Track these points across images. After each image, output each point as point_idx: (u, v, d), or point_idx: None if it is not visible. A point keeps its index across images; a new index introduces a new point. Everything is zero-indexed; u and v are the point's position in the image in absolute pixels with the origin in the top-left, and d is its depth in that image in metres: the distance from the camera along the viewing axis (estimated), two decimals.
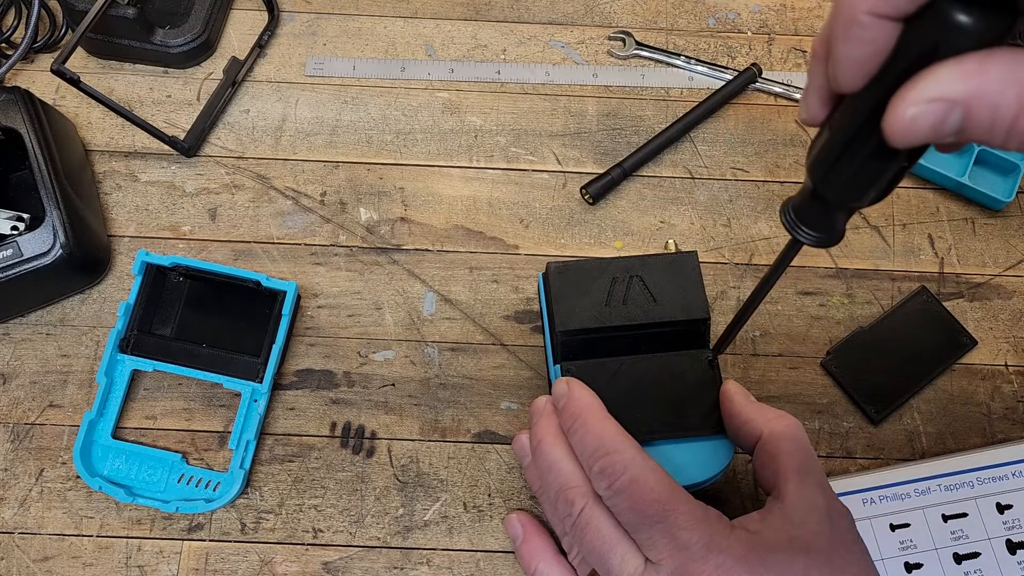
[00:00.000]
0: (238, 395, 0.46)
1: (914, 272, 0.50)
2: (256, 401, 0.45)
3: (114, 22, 0.51)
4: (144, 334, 0.46)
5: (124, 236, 0.51)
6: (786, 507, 0.33)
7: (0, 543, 0.44)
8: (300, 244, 0.51)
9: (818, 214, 0.27)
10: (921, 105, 0.20)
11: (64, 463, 0.45)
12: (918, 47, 0.21)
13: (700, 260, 0.42)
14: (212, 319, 0.48)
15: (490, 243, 0.51)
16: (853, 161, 0.24)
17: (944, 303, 0.49)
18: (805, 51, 0.57)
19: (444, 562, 0.44)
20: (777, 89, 0.55)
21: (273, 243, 0.51)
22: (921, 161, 0.50)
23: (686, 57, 0.56)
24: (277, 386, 0.47)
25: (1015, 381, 0.48)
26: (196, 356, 0.46)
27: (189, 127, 0.52)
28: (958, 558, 0.42)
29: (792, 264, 0.31)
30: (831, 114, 0.25)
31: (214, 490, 0.44)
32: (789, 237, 0.28)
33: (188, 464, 0.45)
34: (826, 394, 0.48)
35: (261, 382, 0.45)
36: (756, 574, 0.30)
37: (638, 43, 0.57)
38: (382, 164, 0.53)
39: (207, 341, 0.46)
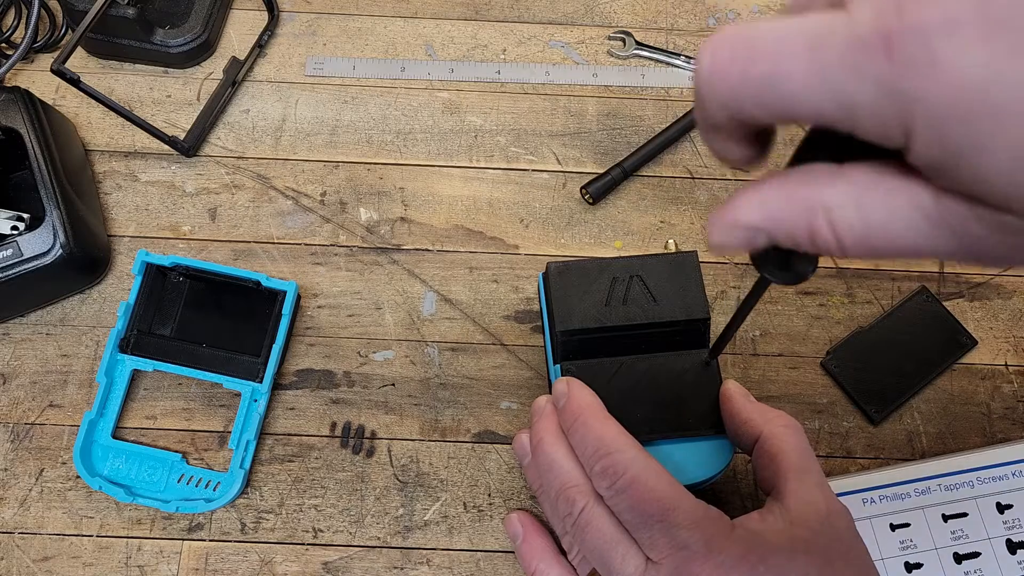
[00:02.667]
0: (238, 395, 0.46)
1: (914, 272, 0.50)
2: (256, 401, 0.45)
3: (114, 22, 0.51)
4: (144, 334, 0.46)
5: (124, 236, 0.51)
6: (786, 507, 0.33)
7: (0, 543, 0.44)
8: (300, 244, 0.51)
9: (782, 256, 0.27)
10: (723, 228, 0.23)
11: (64, 463, 0.45)
12: None
13: (700, 260, 0.42)
14: (212, 319, 0.48)
15: (490, 243, 0.51)
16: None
17: (944, 303, 0.49)
18: None
19: (444, 562, 0.44)
20: None
21: (273, 243, 0.51)
22: None
23: (686, 57, 0.56)
24: (277, 386, 0.47)
25: (1015, 381, 0.48)
26: (196, 356, 0.46)
27: (189, 127, 0.52)
28: (958, 558, 0.42)
29: None
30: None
31: (214, 490, 0.44)
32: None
33: (188, 464, 0.45)
34: (826, 394, 0.48)
35: (261, 382, 0.45)
36: (756, 573, 0.30)
37: (638, 43, 0.57)
38: (382, 164, 0.53)
39: (207, 341, 0.46)
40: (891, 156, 0.20)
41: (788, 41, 0.19)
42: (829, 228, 0.21)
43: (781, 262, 0.27)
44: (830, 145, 0.22)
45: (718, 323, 0.48)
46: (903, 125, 0.18)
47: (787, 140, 0.54)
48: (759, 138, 0.23)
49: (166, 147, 0.52)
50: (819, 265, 0.28)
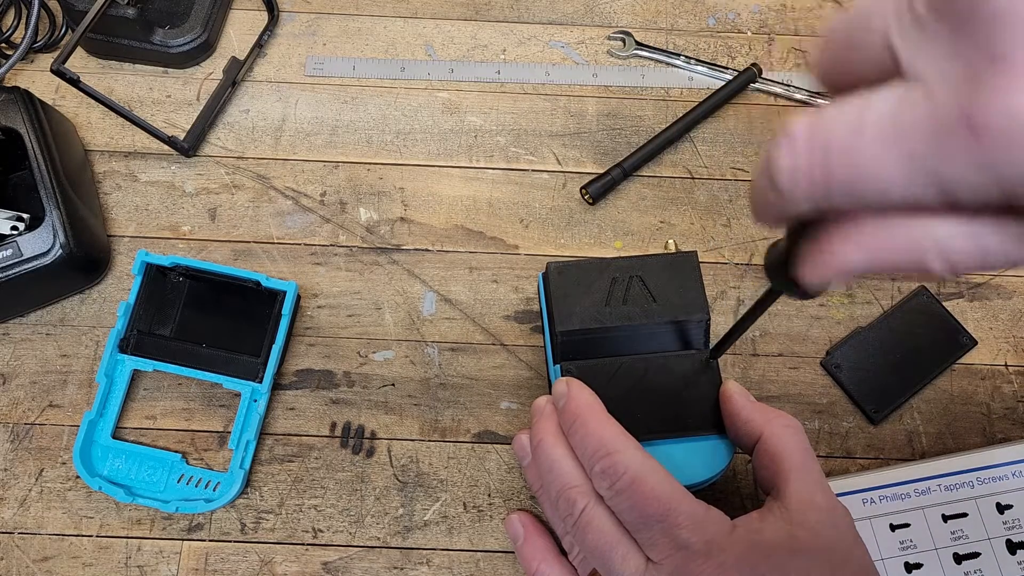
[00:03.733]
0: (238, 395, 0.46)
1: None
2: (256, 401, 0.45)
3: (114, 22, 0.51)
4: (144, 334, 0.46)
5: (124, 236, 0.51)
6: (786, 507, 0.33)
7: (0, 543, 0.44)
8: (300, 244, 0.51)
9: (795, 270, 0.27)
10: (825, 272, 0.22)
11: (64, 463, 0.45)
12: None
13: (700, 260, 0.42)
14: (212, 319, 0.48)
15: (490, 243, 0.51)
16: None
17: (944, 303, 0.49)
18: (805, 51, 0.57)
19: (444, 562, 0.44)
20: (777, 89, 0.55)
21: (273, 243, 0.51)
22: None
23: (686, 57, 0.56)
24: (277, 386, 0.47)
25: (1015, 381, 0.48)
26: (196, 356, 0.46)
27: (189, 127, 0.52)
28: (958, 558, 0.42)
29: None
30: None
31: (214, 490, 0.44)
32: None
33: (188, 464, 0.45)
34: (826, 394, 0.48)
35: (261, 382, 0.45)
36: (757, 573, 0.30)
37: (638, 43, 0.57)
38: (382, 164, 0.53)
39: (207, 341, 0.46)
40: None
41: (867, 131, 0.18)
42: (944, 262, 0.20)
43: (793, 277, 0.27)
44: None
45: (718, 323, 0.48)
46: (1001, 190, 0.17)
47: None
48: None
49: (166, 147, 0.52)
50: None
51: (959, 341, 0.48)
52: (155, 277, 0.47)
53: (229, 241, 0.51)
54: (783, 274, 0.26)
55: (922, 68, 0.18)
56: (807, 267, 0.23)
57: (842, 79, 0.21)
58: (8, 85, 0.50)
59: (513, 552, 0.44)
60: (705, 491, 0.39)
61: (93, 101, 0.49)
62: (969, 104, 0.17)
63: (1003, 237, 0.19)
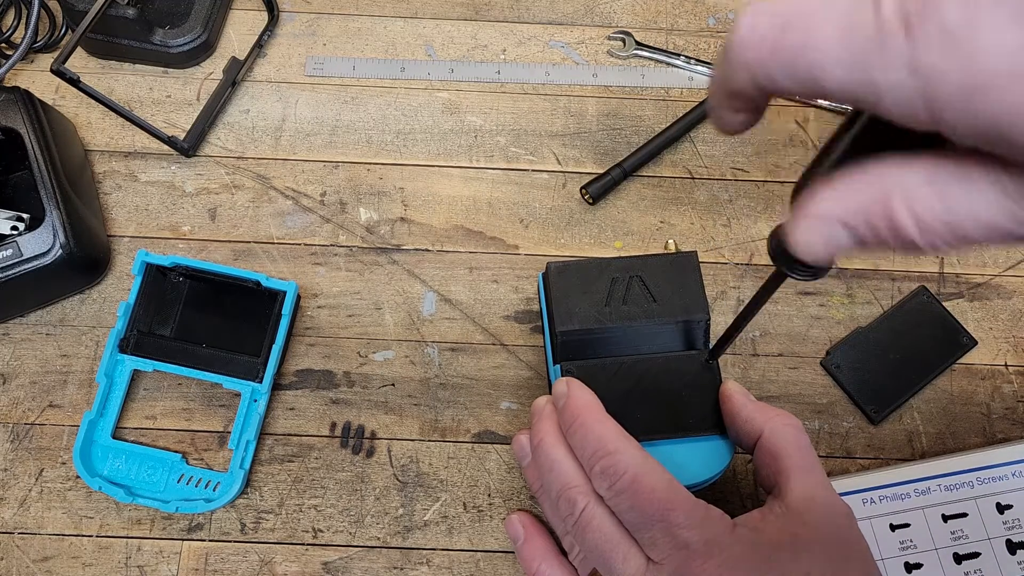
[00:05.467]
0: (238, 395, 0.46)
1: (914, 272, 0.50)
2: (256, 401, 0.45)
3: (114, 22, 0.51)
4: (144, 334, 0.46)
5: (124, 236, 0.51)
6: (787, 505, 0.33)
7: (0, 543, 0.44)
8: (300, 244, 0.51)
9: None
10: (805, 225, 0.23)
11: (64, 463, 0.45)
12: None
13: (700, 260, 0.42)
14: (212, 319, 0.48)
15: (490, 243, 0.51)
16: None
17: (944, 303, 0.49)
18: None
19: (444, 562, 0.44)
20: None
21: (273, 243, 0.51)
22: None
23: (686, 57, 0.56)
24: (277, 386, 0.47)
25: (1015, 381, 0.48)
26: (196, 356, 0.46)
27: (189, 127, 0.52)
28: (958, 558, 0.42)
29: None
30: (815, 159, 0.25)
31: (214, 490, 0.44)
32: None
33: (188, 464, 0.45)
34: (826, 394, 0.48)
35: (261, 382, 0.45)
36: (758, 573, 0.30)
37: (638, 43, 0.57)
38: (382, 164, 0.53)
39: (207, 341, 0.46)
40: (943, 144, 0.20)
41: (823, 16, 0.20)
42: (909, 213, 0.21)
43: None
44: (872, 142, 0.22)
45: (718, 323, 0.48)
46: (927, 104, 0.18)
47: (787, 140, 0.54)
48: (760, 108, 0.24)
49: (166, 147, 0.52)
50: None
51: (959, 341, 0.48)
52: (155, 277, 0.47)
53: (229, 241, 0.51)
54: (788, 256, 0.27)
55: None
56: (795, 228, 0.23)
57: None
58: (8, 85, 0.50)
59: (513, 552, 0.44)
60: (705, 491, 0.39)
61: (93, 101, 0.49)
62: (909, 5, 0.18)
63: (967, 189, 0.20)
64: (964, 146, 0.19)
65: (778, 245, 0.27)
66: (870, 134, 0.23)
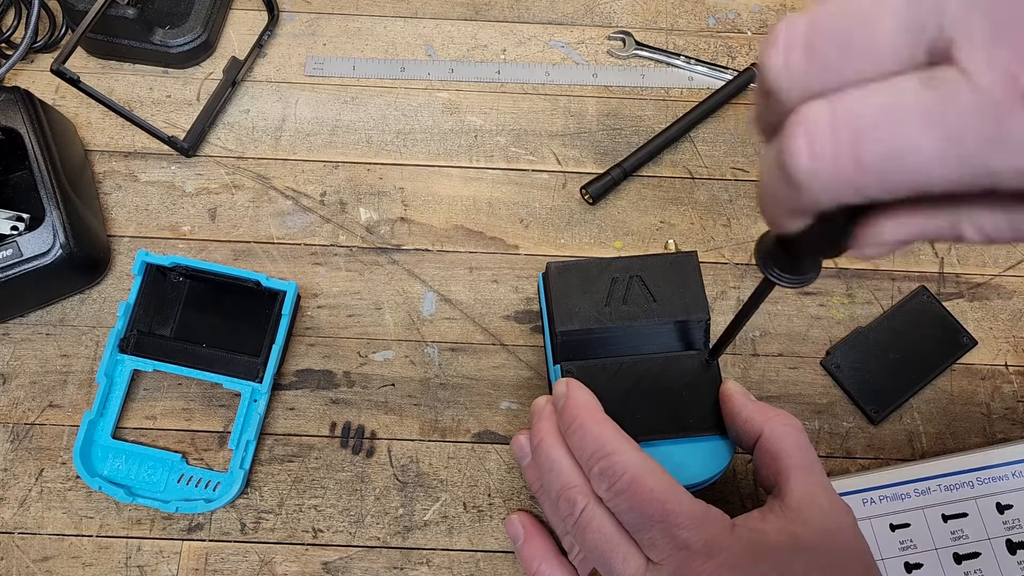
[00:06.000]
0: (238, 395, 0.46)
1: (914, 272, 0.50)
2: (256, 401, 0.45)
3: (114, 22, 0.51)
4: (144, 334, 0.46)
5: (124, 236, 0.51)
6: (787, 505, 0.33)
7: (0, 543, 0.44)
8: (300, 244, 0.51)
9: (788, 259, 0.27)
10: (874, 247, 0.22)
11: (64, 463, 0.45)
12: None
13: (700, 260, 0.42)
14: (212, 319, 0.48)
15: (490, 243, 0.51)
16: (816, 223, 0.23)
17: (944, 303, 0.49)
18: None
19: (444, 562, 0.44)
20: None
21: (273, 243, 0.51)
22: None
23: (686, 57, 0.56)
24: (277, 386, 0.47)
25: (1015, 381, 0.48)
26: (196, 356, 0.46)
27: (189, 127, 0.52)
28: (958, 558, 0.42)
29: None
30: None
31: (214, 490, 0.44)
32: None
33: (188, 464, 0.45)
34: (826, 394, 0.48)
35: (261, 382, 0.45)
36: (757, 573, 0.30)
37: (638, 43, 0.57)
38: (382, 164, 0.53)
39: (207, 341, 0.46)
40: None
41: (901, 112, 0.17)
42: (977, 232, 0.20)
43: (786, 265, 0.27)
44: None
45: (718, 323, 0.48)
46: None
47: None
48: None
49: (166, 147, 0.52)
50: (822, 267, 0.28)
51: (959, 341, 0.48)
52: (155, 277, 0.47)
53: (229, 241, 0.51)
54: (775, 264, 0.27)
55: (964, 54, 0.17)
56: (861, 243, 0.22)
57: (823, 83, 0.19)
58: (8, 85, 0.50)
59: (513, 552, 0.43)
60: (705, 491, 0.39)
61: (93, 101, 0.49)
62: (1018, 74, 0.16)
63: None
64: None
65: (766, 254, 0.27)
66: None
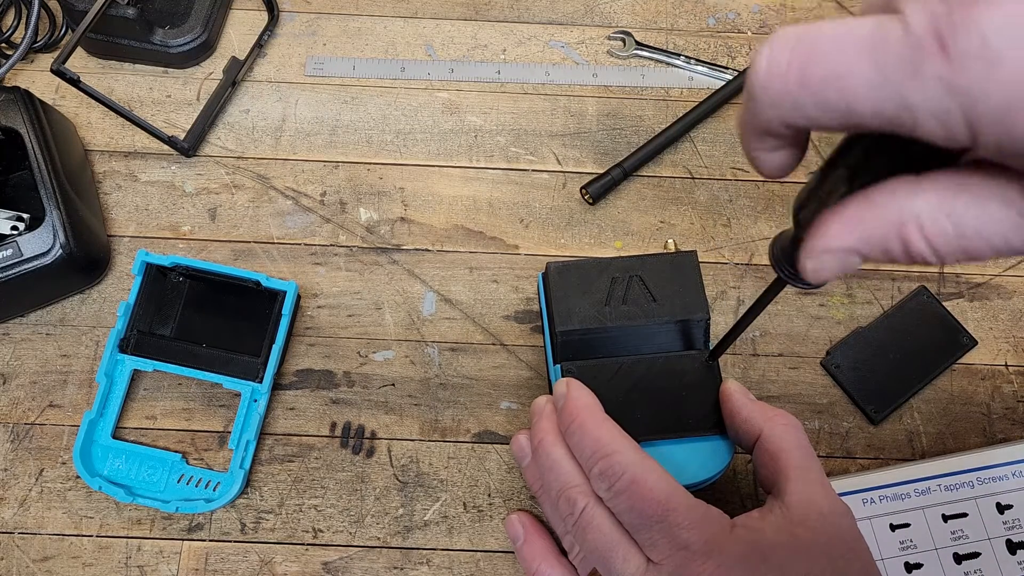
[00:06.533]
0: (238, 395, 0.46)
1: (914, 272, 0.50)
2: (256, 401, 0.45)
3: (114, 22, 0.51)
4: (144, 334, 0.46)
5: (124, 236, 0.51)
6: (787, 505, 0.33)
7: (0, 543, 0.44)
8: (300, 244, 0.51)
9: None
10: (817, 257, 0.23)
11: (64, 463, 0.45)
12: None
13: (700, 260, 0.42)
14: (212, 319, 0.48)
15: (490, 243, 0.51)
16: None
17: (944, 303, 0.49)
18: None
19: (444, 562, 0.44)
20: None
21: (273, 243, 0.51)
22: None
23: (686, 57, 0.56)
24: (277, 386, 0.47)
25: (1015, 381, 0.48)
26: (196, 356, 0.46)
27: (189, 127, 0.52)
28: (958, 558, 0.42)
29: None
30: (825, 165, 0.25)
31: (214, 490, 0.44)
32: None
33: (188, 464, 0.45)
34: (826, 394, 0.48)
35: (261, 382, 0.45)
36: (757, 573, 0.30)
37: (638, 43, 0.57)
38: (382, 164, 0.53)
39: (207, 341, 0.46)
40: (951, 162, 0.20)
41: (847, 41, 0.19)
42: (922, 238, 0.21)
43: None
44: (883, 160, 0.22)
45: (718, 323, 0.48)
46: (967, 122, 0.18)
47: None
48: (799, 145, 0.23)
49: (166, 147, 0.52)
50: None
51: (959, 341, 0.48)
52: (155, 277, 0.47)
53: (229, 241, 0.51)
54: (789, 264, 0.27)
55: (906, 2, 0.19)
56: (806, 257, 0.23)
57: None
58: (8, 85, 0.50)
59: (513, 552, 0.44)
60: (705, 491, 0.39)
61: (93, 101, 0.49)
62: (942, 23, 0.18)
63: (979, 212, 0.20)
64: (985, 161, 0.19)
65: (780, 253, 0.27)
66: (872, 158, 0.23)
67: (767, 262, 0.50)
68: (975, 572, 0.42)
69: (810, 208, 0.24)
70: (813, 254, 0.23)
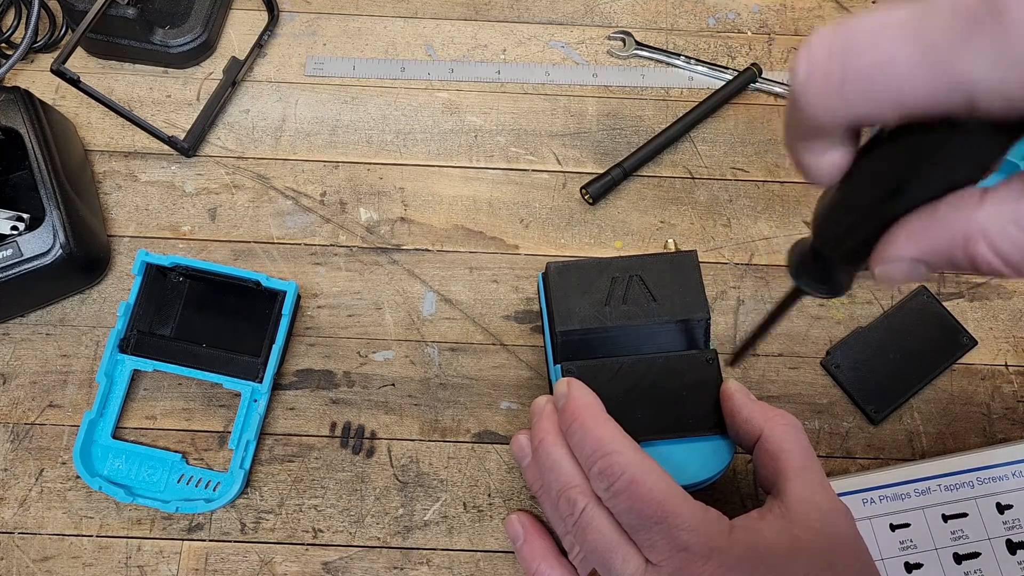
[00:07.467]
0: (238, 395, 0.46)
1: None
2: (256, 401, 0.45)
3: (114, 22, 0.51)
4: (144, 334, 0.46)
5: (124, 236, 0.51)
6: (787, 506, 0.33)
7: (0, 543, 0.44)
8: (300, 244, 0.51)
9: (822, 269, 0.27)
10: (887, 265, 0.23)
11: (64, 463, 0.45)
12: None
13: (700, 260, 0.42)
14: (212, 319, 0.48)
15: (490, 243, 0.51)
16: (861, 231, 0.24)
17: (944, 303, 0.49)
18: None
19: (444, 562, 0.44)
20: (777, 89, 0.55)
21: (273, 243, 0.51)
22: None
23: (686, 57, 0.56)
24: (277, 386, 0.47)
25: (1015, 381, 0.48)
26: (196, 356, 0.46)
27: (189, 127, 0.52)
28: (958, 558, 0.42)
29: None
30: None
31: (214, 490, 0.44)
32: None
33: (188, 464, 0.45)
34: (826, 394, 0.48)
35: (261, 382, 0.45)
36: (756, 574, 0.30)
37: (638, 43, 0.57)
38: (382, 164, 0.53)
39: (207, 341, 0.46)
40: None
41: (887, 26, 0.18)
42: (989, 250, 0.20)
43: (819, 275, 0.27)
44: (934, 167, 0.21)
45: (718, 323, 0.48)
46: None
47: None
48: (851, 143, 0.23)
49: (166, 147, 0.52)
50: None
51: (959, 341, 0.48)
52: (155, 277, 0.47)
53: (229, 241, 0.51)
54: (809, 273, 0.26)
55: None
56: (874, 262, 0.23)
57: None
58: (8, 85, 0.50)
59: (513, 552, 0.44)
60: (705, 491, 0.39)
61: (93, 101, 0.49)
62: None
63: None
64: None
65: (798, 263, 0.27)
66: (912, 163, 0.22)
67: (767, 262, 0.50)
68: (975, 572, 0.42)
69: (846, 224, 0.24)
70: (881, 260, 0.23)
